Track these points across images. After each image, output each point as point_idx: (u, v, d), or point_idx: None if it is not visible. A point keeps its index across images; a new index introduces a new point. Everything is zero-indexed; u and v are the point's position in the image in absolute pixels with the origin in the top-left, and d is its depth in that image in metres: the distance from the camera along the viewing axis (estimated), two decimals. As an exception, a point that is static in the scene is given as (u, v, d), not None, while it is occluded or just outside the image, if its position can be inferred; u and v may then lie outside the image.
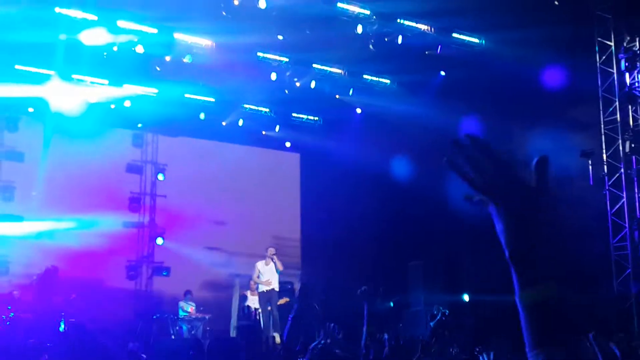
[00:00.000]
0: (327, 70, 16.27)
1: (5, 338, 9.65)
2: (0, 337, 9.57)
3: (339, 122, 17.82)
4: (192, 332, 14.69)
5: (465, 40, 15.14)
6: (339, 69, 16.32)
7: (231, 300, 15.76)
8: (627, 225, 14.01)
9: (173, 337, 14.31)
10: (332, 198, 17.73)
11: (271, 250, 14.17)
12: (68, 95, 15.21)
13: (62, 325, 13.13)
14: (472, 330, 12.26)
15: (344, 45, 15.00)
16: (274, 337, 13.02)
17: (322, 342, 4.25)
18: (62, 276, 13.42)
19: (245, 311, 13.93)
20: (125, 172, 16.90)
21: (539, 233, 1.42)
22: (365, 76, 16.69)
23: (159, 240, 16.78)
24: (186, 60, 14.86)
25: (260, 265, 14.16)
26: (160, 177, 17.22)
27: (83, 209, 15.67)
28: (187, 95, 16.41)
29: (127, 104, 15.85)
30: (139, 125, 16.92)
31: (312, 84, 16.28)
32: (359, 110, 17.57)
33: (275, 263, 13.99)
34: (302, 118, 18.43)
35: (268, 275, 14.01)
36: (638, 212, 14.01)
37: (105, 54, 14.62)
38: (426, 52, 15.43)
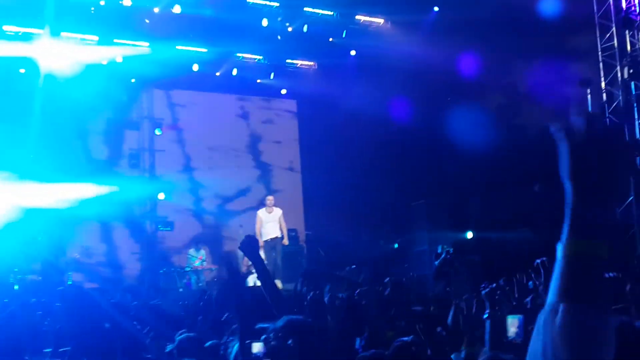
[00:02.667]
0: (318, 13, 16.02)
1: (13, 300, 9.71)
2: (9, 300, 9.63)
3: (334, 65, 17.62)
4: (200, 284, 14.83)
5: (457, -27, 14.85)
6: (330, 11, 16.06)
7: (236, 250, 15.82)
8: (628, 152, 13.95)
9: (181, 289, 14.44)
10: (332, 142, 17.66)
11: (270, 199, 14.12)
12: (59, 54, 15.00)
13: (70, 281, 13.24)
14: (478, 267, 12.31)
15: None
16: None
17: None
18: (66, 238, 13.49)
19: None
20: (122, 129, 16.79)
21: (614, 193, 1.35)
22: (357, 17, 16.43)
23: (161, 195, 16.77)
24: (175, 10, 14.64)
25: (261, 213, 14.10)
26: (158, 131, 17.11)
27: (82, 170, 15.62)
28: (178, 47, 16.18)
29: (119, 59, 15.64)
30: (133, 80, 16.73)
31: (305, 28, 16.04)
32: (353, 53, 17.34)
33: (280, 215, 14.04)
34: (297, 64, 18.21)
35: (271, 223, 13.94)
36: (639, 138, 13.94)
37: (92, 8, 14.41)
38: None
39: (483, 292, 4.21)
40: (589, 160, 1.34)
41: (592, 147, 1.34)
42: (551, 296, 1.33)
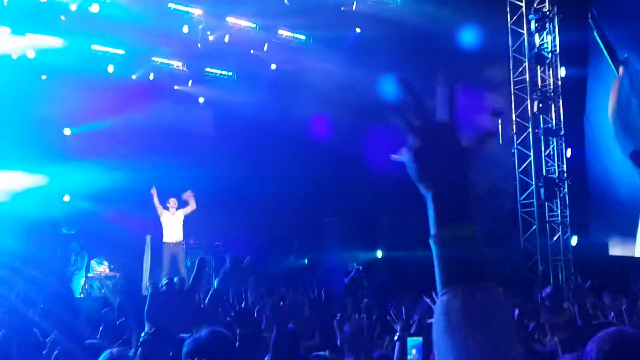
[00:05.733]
0: (241, 24, 15.93)
1: None
2: None
3: (253, 78, 17.53)
4: (102, 291, 14.37)
5: (381, -4, 15.12)
6: (253, 23, 16.01)
7: (142, 257, 15.45)
8: (533, 182, 14.47)
9: (82, 295, 13.96)
10: (246, 155, 17.53)
11: (173, 200, 14.09)
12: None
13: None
14: (385, 286, 12.45)
15: (258, -2, 14.73)
16: None
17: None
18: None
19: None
20: (31, 127, 16.12)
21: (462, 172, 1.41)
22: (280, 31, 16.44)
23: (66, 198, 16.19)
24: (93, 9, 14.25)
25: (164, 216, 14.00)
26: (67, 131, 16.54)
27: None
28: (94, 47, 15.73)
29: (31, 54, 15.07)
30: (44, 77, 16.13)
31: (226, 38, 15.92)
32: (273, 66, 17.32)
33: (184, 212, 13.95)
34: (216, 73, 18.03)
35: (173, 226, 13.89)
36: (544, 170, 14.48)
37: (5, 1, 13.85)
38: (342, 8, 15.31)
39: (391, 312, 4.22)
40: (429, 160, 1.42)
41: (428, 149, 1.42)
42: (439, 288, 1.36)
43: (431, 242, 1.38)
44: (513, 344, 1.31)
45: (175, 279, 2.47)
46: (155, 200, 14.24)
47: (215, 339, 2.70)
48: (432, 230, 1.39)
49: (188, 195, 14.24)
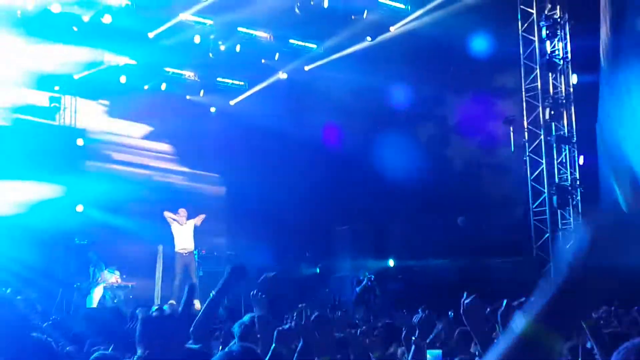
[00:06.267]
0: (252, 34, 15.99)
1: None
2: None
3: (265, 87, 17.59)
4: (115, 301, 14.38)
5: (390, 5, 15.12)
6: (265, 32, 16.07)
7: (154, 268, 15.49)
8: (545, 190, 14.40)
9: (95, 305, 13.98)
10: (259, 163, 17.55)
11: (182, 210, 14.17)
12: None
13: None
14: (398, 295, 12.39)
15: (269, 8, 14.75)
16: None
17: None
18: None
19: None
20: (46, 137, 16.23)
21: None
22: (291, 41, 16.49)
23: (79, 207, 16.25)
24: (105, 20, 14.34)
25: (175, 226, 14.08)
26: (80, 141, 16.63)
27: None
28: (106, 58, 15.83)
29: (44, 66, 15.16)
30: (56, 88, 16.23)
31: (237, 48, 15.98)
32: (285, 75, 17.35)
33: (195, 223, 14.07)
34: (228, 83, 18.09)
35: (184, 235, 13.98)
36: (557, 178, 14.42)
37: (19, 12, 13.98)
38: (353, 17, 15.34)
39: (415, 319, 4.22)
40: (598, 257, 1.24)
41: (604, 251, 1.25)
42: None
43: (519, 317, 1.26)
44: None
45: (166, 307, 2.57)
46: (170, 214, 14.35)
47: (247, 353, 2.77)
48: (532, 311, 1.25)
49: (200, 218, 14.40)
